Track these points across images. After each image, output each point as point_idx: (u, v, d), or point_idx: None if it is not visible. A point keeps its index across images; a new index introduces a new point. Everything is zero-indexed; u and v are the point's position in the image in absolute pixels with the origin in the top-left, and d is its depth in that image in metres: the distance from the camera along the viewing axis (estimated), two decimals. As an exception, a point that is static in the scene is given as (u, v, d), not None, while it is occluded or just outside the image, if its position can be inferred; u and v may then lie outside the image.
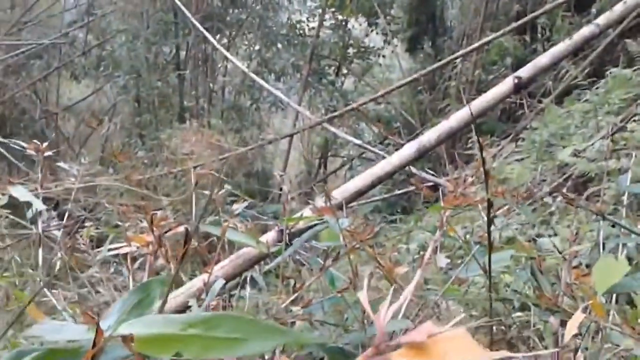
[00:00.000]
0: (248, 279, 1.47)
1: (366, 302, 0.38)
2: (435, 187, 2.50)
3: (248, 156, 8.08)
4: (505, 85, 2.44)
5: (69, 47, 11.99)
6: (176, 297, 1.34)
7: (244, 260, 1.60)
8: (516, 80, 2.42)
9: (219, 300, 1.05)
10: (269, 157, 10.85)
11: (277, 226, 1.46)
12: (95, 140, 12.76)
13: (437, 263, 0.99)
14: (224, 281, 1.01)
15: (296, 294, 0.97)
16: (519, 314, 1.78)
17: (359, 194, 2.10)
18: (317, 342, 0.47)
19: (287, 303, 0.95)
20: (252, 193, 7.32)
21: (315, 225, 1.14)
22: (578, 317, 0.63)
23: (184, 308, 1.26)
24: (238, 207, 0.98)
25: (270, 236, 1.52)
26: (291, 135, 8.46)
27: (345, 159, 12.88)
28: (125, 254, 0.90)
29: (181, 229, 0.85)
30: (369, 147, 6.10)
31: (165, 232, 0.86)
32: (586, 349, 1.07)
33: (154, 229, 0.84)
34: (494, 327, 1.99)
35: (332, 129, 6.88)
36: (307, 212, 1.19)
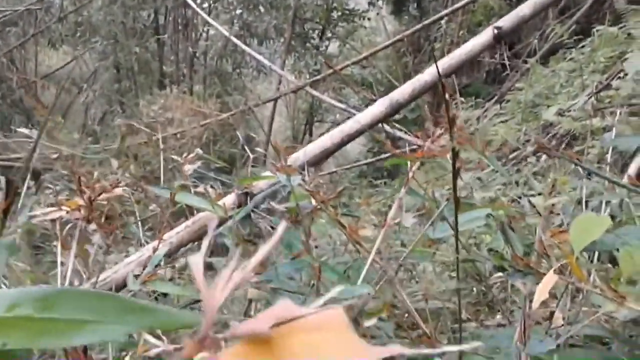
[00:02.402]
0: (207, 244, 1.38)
1: (199, 275, 0.27)
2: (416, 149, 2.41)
3: (231, 122, 7.94)
4: (485, 35, 2.33)
5: (44, 13, 11.65)
6: (126, 267, 1.26)
7: (200, 226, 1.51)
8: (496, 31, 2.31)
9: (169, 269, 0.98)
10: (252, 124, 10.70)
11: (236, 189, 1.37)
12: (76, 108, 12.52)
13: (403, 223, 0.91)
14: (166, 249, 0.93)
15: (251, 259, 0.89)
16: (499, 274, 1.73)
17: (328, 152, 1.99)
18: (194, 323, 0.35)
19: (240, 270, 0.87)
20: (235, 160, 7.21)
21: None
22: (550, 278, 0.56)
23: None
24: (189, 168, 0.89)
25: (229, 199, 1.43)
26: (274, 100, 8.31)
27: (331, 124, 12.77)
28: (54, 219, 0.81)
29: (118, 191, 0.77)
30: (354, 111, 5.99)
31: (99, 195, 0.77)
32: (569, 310, 1.02)
33: (86, 191, 0.76)
34: (474, 289, 1.94)
35: (316, 93, 6.76)
36: (267, 173, 1.11)
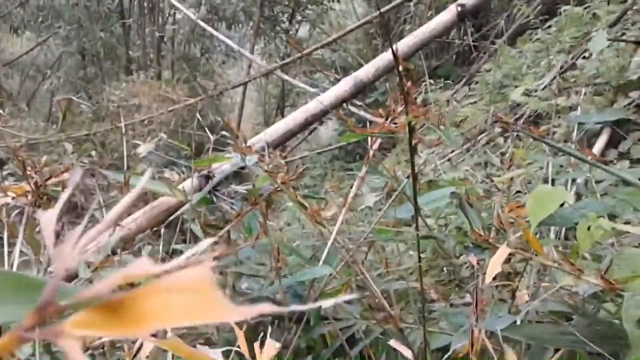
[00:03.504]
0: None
1: (49, 233, 0.24)
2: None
3: (200, 108, 7.83)
4: (449, 13, 2.31)
5: (5, -3, 11.29)
6: (81, 254, 1.23)
7: (159, 211, 1.47)
8: (459, 8, 2.29)
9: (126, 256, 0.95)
10: (222, 109, 10.58)
11: (197, 171, 1.34)
12: (41, 95, 12.22)
13: (364, 202, 0.90)
14: (120, 234, 0.90)
15: (211, 243, 0.87)
16: (471, 254, 1.74)
17: (292, 133, 1.95)
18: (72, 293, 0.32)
19: (196, 254, 0.85)
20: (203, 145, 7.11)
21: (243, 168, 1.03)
22: (503, 252, 0.55)
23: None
24: (143, 150, 0.86)
25: (189, 183, 1.40)
26: (244, 84, 8.22)
27: (302, 108, 12.68)
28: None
29: (69, 175, 0.74)
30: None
31: (47, 179, 0.74)
32: (534, 286, 1.02)
33: (33, 176, 0.72)
34: (445, 269, 1.95)
35: (286, 77, 6.70)
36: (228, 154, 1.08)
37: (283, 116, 13.05)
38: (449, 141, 0.77)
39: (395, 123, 0.70)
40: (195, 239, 1.79)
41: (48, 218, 0.23)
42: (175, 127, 6.62)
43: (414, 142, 0.64)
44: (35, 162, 0.74)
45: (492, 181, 0.83)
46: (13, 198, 0.73)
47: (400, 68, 0.70)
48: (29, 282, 0.32)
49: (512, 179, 0.78)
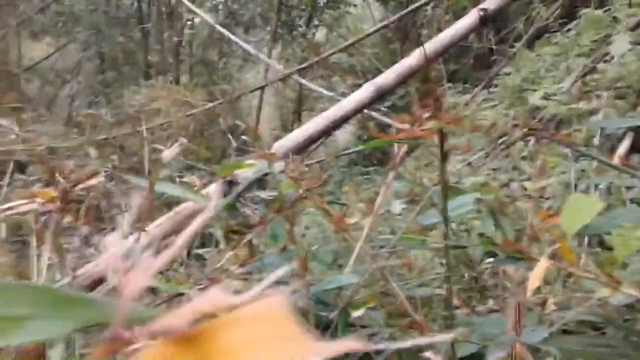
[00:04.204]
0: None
1: (115, 256, 0.23)
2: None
3: (218, 112, 7.87)
4: (470, 17, 2.29)
5: (25, 4, 11.47)
6: (106, 260, 1.23)
7: (183, 217, 1.47)
8: (481, 13, 2.27)
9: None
10: (240, 113, 10.62)
11: (222, 178, 1.34)
12: (61, 100, 12.38)
13: (391, 209, 0.89)
14: (144, 241, 0.90)
15: (233, 251, 0.87)
16: (490, 260, 1.71)
17: (313, 139, 1.94)
18: (143, 317, 0.31)
19: (222, 261, 0.85)
20: (224, 150, 7.14)
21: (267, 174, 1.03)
22: (542, 265, 0.54)
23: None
24: (168, 155, 0.86)
25: (213, 189, 1.40)
26: (261, 88, 8.24)
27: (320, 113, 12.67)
28: (27, 212, 0.78)
29: (94, 181, 0.74)
30: (342, 99, 5.95)
31: (74, 186, 0.74)
32: (557, 295, 1.00)
33: (60, 182, 0.73)
34: (466, 275, 1.93)
35: (304, 81, 6.72)
36: (250, 161, 1.08)
37: (300, 120, 13.09)
38: (480, 146, 0.76)
39: (423, 129, 0.70)
40: (216, 244, 1.79)
41: (112, 240, 0.22)
42: (194, 131, 6.66)
43: (445, 149, 0.64)
44: (59, 168, 0.74)
45: (525, 189, 0.82)
46: (41, 204, 0.74)
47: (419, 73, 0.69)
48: (66, 298, 0.31)
49: (544, 187, 0.76)
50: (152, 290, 1.38)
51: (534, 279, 0.54)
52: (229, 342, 0.19)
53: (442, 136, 0.63)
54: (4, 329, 0.28)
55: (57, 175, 0.73)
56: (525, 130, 1.20)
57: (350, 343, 0.18)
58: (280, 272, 0.23)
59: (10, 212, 0.72)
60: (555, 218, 0.65)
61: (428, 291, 1.16)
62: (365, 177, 6.43)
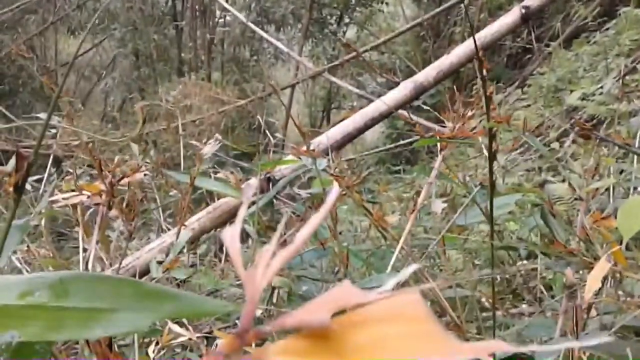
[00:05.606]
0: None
1: (236, 254, 0.23)
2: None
3: (249, 109, 7.91)
4: (512, 15, 2.24)
5: (64, 1, 11.71)
6: (147, 253, 1.25)
7: (222, 212, 1.48)
8: (524, 10, 2.23)
9: (190, 256, 0.96)
10: (270, 110, 10.67)
11: (260, 174, 1.34)
12: (96, 96, 12.62)
13: (432, 208, 0.88)
14: (189, 234, 0.91)
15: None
16: (524, 262, 1.68)
17: (350, 137, 1.91)
18: (219, 310, 0.31)
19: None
20: (255, 146, 7.18)
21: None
22: (602, 267, 0.53)
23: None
24: (208, 151, 0.87)
25: (250, 184, 1.40)
26: (291, 86, 8.26)
27: (349, 111, 12.63)
28: (75, 205, 0.80)
29: (139, 176, 0.75)
30: (372, 97, 5.92)
31: (120, 180, 0.75)
32: (597, 298, 0.98)
33: (107, 176, 0.74)
34: (499, 277, 1.90)
35: (333, 78, 6.71)
36: (289, 157, 1.08)
37: (329, 118, 13.09)
38: (535, 146, 0.75)
39: (473, 128, 0.69)
40: (243, 240, 1.80)
41: (232, 235, 0.21)
42: (225, 127, 6.71)
43: (493, 148, 0.63)
44: (102, 162, 0.75)
45: (575, 190, 0.80)
46: (88, 197, 0.75)
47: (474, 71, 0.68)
48: (148, 291, 0.32)
49: (597, 189, 0.75)
50: (184, 282, 1.39)
51: (593, 281, 0.52)
52: (364, 339, 0.18)
53: (492, 136, 0.62)
54: (81, 321, 0.28)
55: (103, 169, 0.74)
56: (576, 129, 1.18)
57: (495, 344, 0.17)
58: (408, 271, 0.22)
59: (58, 204, 0.74)
60: (608, 220, 0.64)
61: (465, 292, 1.15)
62: (394, 175, 6.39)
